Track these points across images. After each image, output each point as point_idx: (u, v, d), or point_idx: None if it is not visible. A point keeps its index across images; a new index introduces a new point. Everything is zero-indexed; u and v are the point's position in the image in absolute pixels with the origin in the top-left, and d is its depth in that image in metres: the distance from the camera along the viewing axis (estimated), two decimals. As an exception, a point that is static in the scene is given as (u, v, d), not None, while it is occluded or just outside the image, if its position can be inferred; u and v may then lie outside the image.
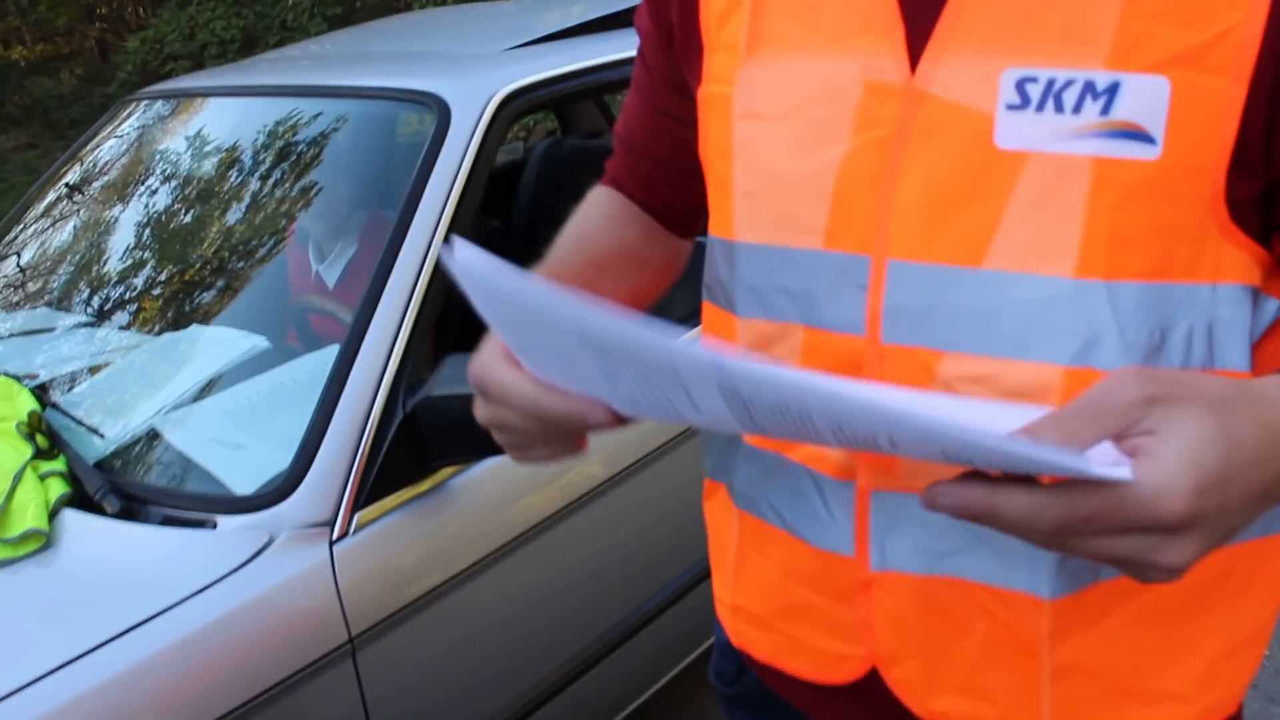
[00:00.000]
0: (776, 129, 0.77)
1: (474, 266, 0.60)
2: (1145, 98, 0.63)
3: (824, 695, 0.88)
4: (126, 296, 2.13)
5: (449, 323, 2.22)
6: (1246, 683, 0.79)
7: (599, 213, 1.02)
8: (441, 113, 1.85)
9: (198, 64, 11.63)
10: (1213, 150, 0.64)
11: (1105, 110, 0.64)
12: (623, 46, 2.18)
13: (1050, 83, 0.65)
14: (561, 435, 0.73)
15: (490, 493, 1.69)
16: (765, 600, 0.89)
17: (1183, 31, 0.62)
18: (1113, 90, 0.64)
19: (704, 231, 0.90)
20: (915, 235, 0.70)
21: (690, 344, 0.54)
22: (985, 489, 0.54)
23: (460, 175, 1.77)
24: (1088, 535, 0.52)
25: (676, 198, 1.00)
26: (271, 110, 2.26)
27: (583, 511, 1.82)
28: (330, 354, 1.69)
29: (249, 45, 13.60)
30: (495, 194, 3.02)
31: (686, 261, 1.06)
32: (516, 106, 1.91)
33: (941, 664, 0.79)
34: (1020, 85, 0.66)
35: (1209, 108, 0.63)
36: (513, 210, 3.19)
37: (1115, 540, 0.52)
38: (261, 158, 2.23)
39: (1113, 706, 0.77)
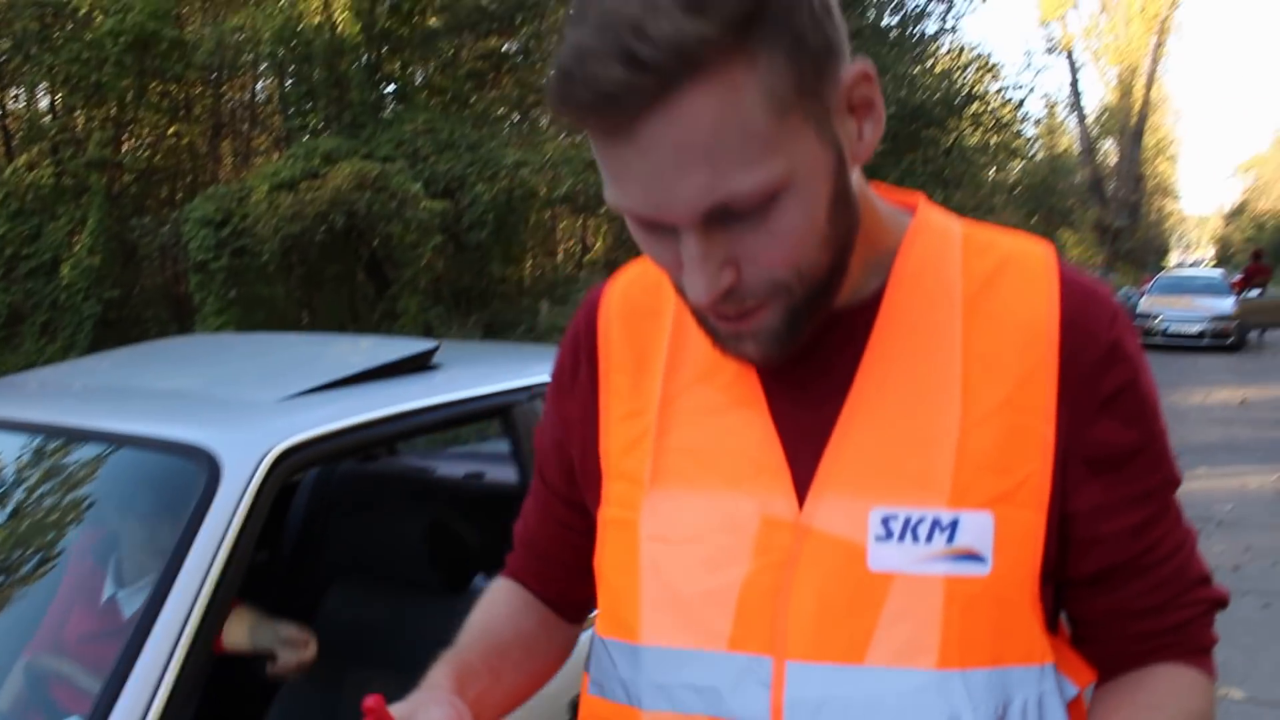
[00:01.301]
0: (682, 551, 0.91)
1: None
2: (977, 529, 0.85)
3: None
4: None
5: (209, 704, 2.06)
6: None
7: (501, 603, 1.13)
8: (211, 470, 1.78)
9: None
10: (1027, 563, 0.86)
11: (950, 540, 0.85)
12: (407, 396, 2.17)
13: (908, 519, 0.85)
14: None
15: None
16: None
17: (998, 478, 0.86)
18: (954, 525, 0.85)
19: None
20: (808, 640, 0.86)
21: None
22: None
23: (226, 540, 1.68)
24: None
25: (575, 592, 1.12)
26: (25, 445, 2.12)
27: None
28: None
29: (13, 321, 13.06)
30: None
31: (573, 648, 1.17)
32: (293, 463, 1.86)
33: None
34: (885, 521, 0.86)
35: (1021, 532, 0.86)
36: (279, 539, 3.06)
37: None
38: (10, 498, 2.08)
39: None
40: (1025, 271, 0.92)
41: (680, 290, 0.85)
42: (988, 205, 22.54)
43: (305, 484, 3.12)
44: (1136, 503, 0.92)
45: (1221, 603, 0.99)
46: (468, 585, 2.51)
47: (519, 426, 2.32)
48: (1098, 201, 37.00)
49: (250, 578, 2.41)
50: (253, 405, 2.07)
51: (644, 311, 1.01)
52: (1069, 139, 42.05)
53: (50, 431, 2.11)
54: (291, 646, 2.18)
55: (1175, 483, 0.96)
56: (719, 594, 0.89)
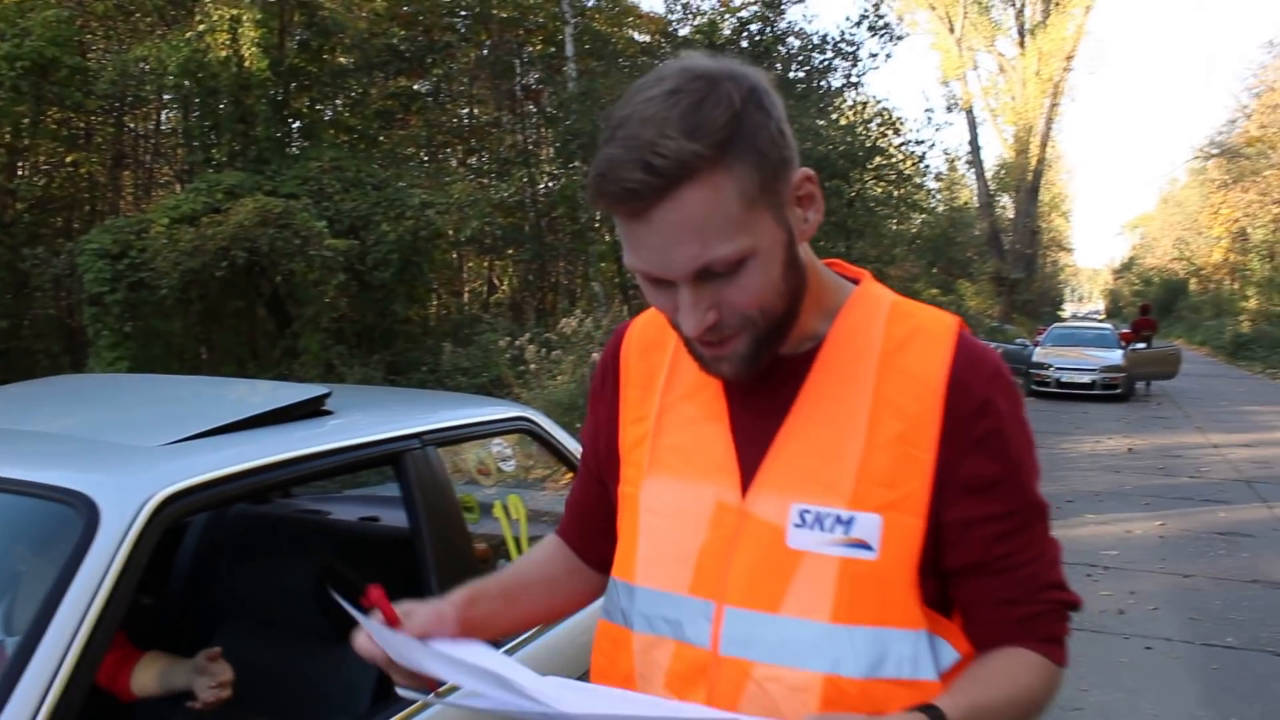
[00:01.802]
0: (665, 522, 1.27)
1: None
2: (868, 525, 1.16)
3: None
4: None
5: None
6: None
7: (540, 551, 1.54)
8: (89, 515, 1.75)
9: None
10: (907, 554, 1.17)
11: (846, 531, 1.17)
12: (295, 443, 2.16)
13: (818, 514, 1.18)
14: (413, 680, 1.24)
15: None
16: None
17: (888, 490, 1.17)
18: (851, 521, 1.17)
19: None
20: (741, 592, 1.20)
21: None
22: None
23: (103, 589, 1.65)
24: None
25: (600, 548, 1.41)
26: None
27: None
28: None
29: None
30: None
31: (600, 593, 1.43)
32: (174, 510, 1.83)
33: None
34: (801, 513, 1.18)
35: (903, 532, 1.17)
36: (167, 580, 3.00)
37: None
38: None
39: None
40: (931, 337, 1.22)
41: (676, 327, 1.19)
42: (889, 256, 23.00)
43: (195, 525, 3.06)
44: (998, 519, 1.20)
45: (1072, 605, 1.27)
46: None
47: (410, 473, 2.32)
48: (995, 254, 38.07)
49: (136, 621, 2.37)
50: (135, 450, 2.04)
51: (652, 345, 1.36)
52: (968, 193, 43.16)
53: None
54: (210, 675, 2.19)
55: (1037, 506, 1.25)
56: (685, 554, 1.24)
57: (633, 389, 1.36)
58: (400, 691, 1.26)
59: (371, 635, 1.21)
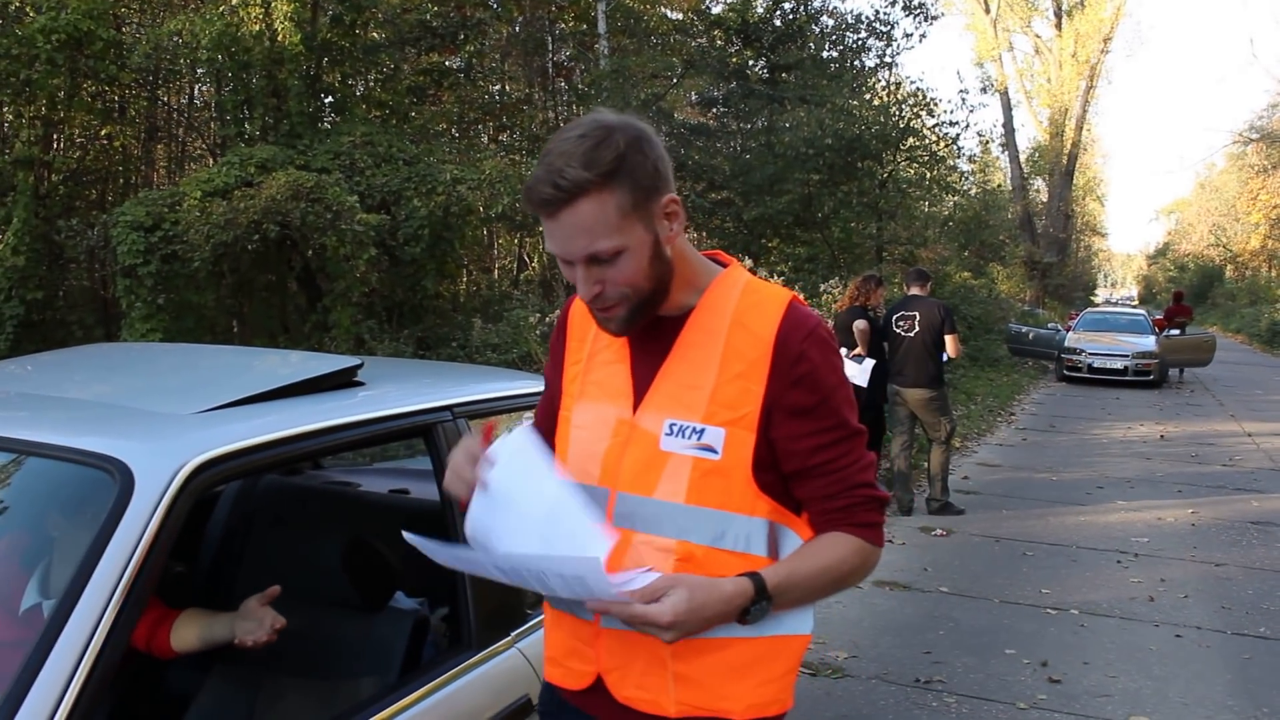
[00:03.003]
0: (584, 433, 1.77)
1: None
2: (715, 436, 1.64)
3: (582, 693, 1.79)
4: None
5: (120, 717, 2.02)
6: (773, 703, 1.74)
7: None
8: (124, 481, 1.75)
9: None
10: (743, 459, 1.65)
11: (699, 438, 1.65)
12: (328, 413, 2.15)
13: (681, 426, 1.66)
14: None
15: None
16: (556, 648, 1.84)
17: (730, 411, 1.65)
18: (701, 431, 1.65)
19: None
20: (627, 481, 1.69)
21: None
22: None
23: (137, 555, 1.66)
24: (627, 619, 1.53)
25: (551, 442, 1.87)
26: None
27: None
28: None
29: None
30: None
31: None
32: (208, 477, 1.84)
33: (626, 673, 1.72)
34: (670, 425, 1.67)
35: (741, 441, 1.64)
36: (198, 551, 3.01)
37: (641, 625, 1.53)
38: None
39: (705, 695, 1.68)
40: (769, 306, 1.70)
41: (580, 293, 1.66)
42: (920, 238, 22.83)
43: (226, 496, 3.07)
44: (815, 434, 1.66)
45: (880, 500, 1.71)
46: (386, 604, 2.49)
47: (441, 445, 2.32)
48: (1028, 237, 37.64)
49: (168, 588, 2.38)
50: (170, 418, 2.04)
51: (588, 313, 1.74)
52: (1001, 176, 42.73)
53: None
54: (257, 620, 2.21)
55: (850, 428, 1.69)
56: (595, 455, 1.73)
57: (573, 341, 1.87)
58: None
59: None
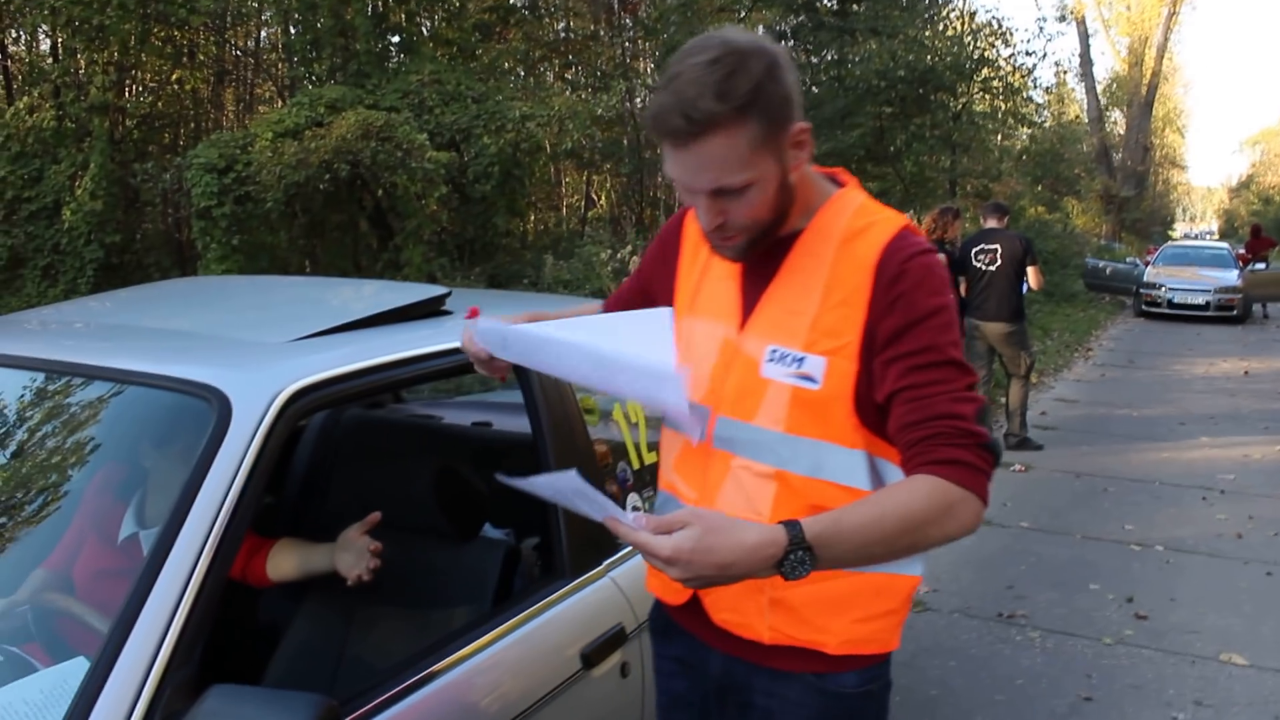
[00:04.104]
0: (694, 350, 1.71)
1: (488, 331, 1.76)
2: (815, 364, 1.57)
3: (680, 610, 1.79)
4: None
5: (213, 647, 2.04)
6: (877, 642, 1.69)
7: (591, 307, 2.08)
8: (221, 409, 1.75)
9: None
10: (844, 390, 1.56)
11: (799, 366, 1.58)
12: (419, 341, 2.13)
13: (782, 353, 1.60)
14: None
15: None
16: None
17: (831, 339, 1.56)
18: (802, 359, 1.58)
19: None
20: (728, 405, 1.65)
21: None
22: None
23: (237, 480, 1.65)
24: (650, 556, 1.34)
25: None
26: (38, 383, 2.09)
27: None
28: (75, 670, 1.51)
29: (15, 264, 12.99)
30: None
31: None
32: (304, 404, 1.83)
33: (722, 595, 1.67)
34: (771, 351, 1.61)
35: (842, 370, 1.56)
36: (283, 485, 3.03)
37: (652, 559, 1.34)
38: (15, 435, 2.04)
39: (799, 625, 1.65)
40: (878, 229, 1.60)
41: (700, 221, 1.60)
42: (995, 171, 22.33)
43: (310, 430, 3.09)
44: (904, 358, 1.52)
45: (973, 435, 1.48)
46: (477, 533, 2.48)
47: (531, 374, 2.29)
48: (1104, 171, 36.62)
49: (257, 520, 2.40)
50: (263, 346, 2.04)
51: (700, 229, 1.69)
52: (1077, 108, 41.60)
53: (57, 369, 2.07)
54: (355, 549, 2.22)
55: (944, 355, 1.53)
56: (702, 373, 1.68)
57: (688, 254, 1.83)
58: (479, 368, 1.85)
59: (471, 334, 1.79)
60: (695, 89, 1.43)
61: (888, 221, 1.62)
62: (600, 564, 2.34)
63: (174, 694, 1.47)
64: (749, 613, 1.66)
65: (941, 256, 1.65)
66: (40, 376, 2.09)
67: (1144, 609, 5.03)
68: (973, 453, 1.47)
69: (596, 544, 2.33)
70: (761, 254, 1.63)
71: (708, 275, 1.75)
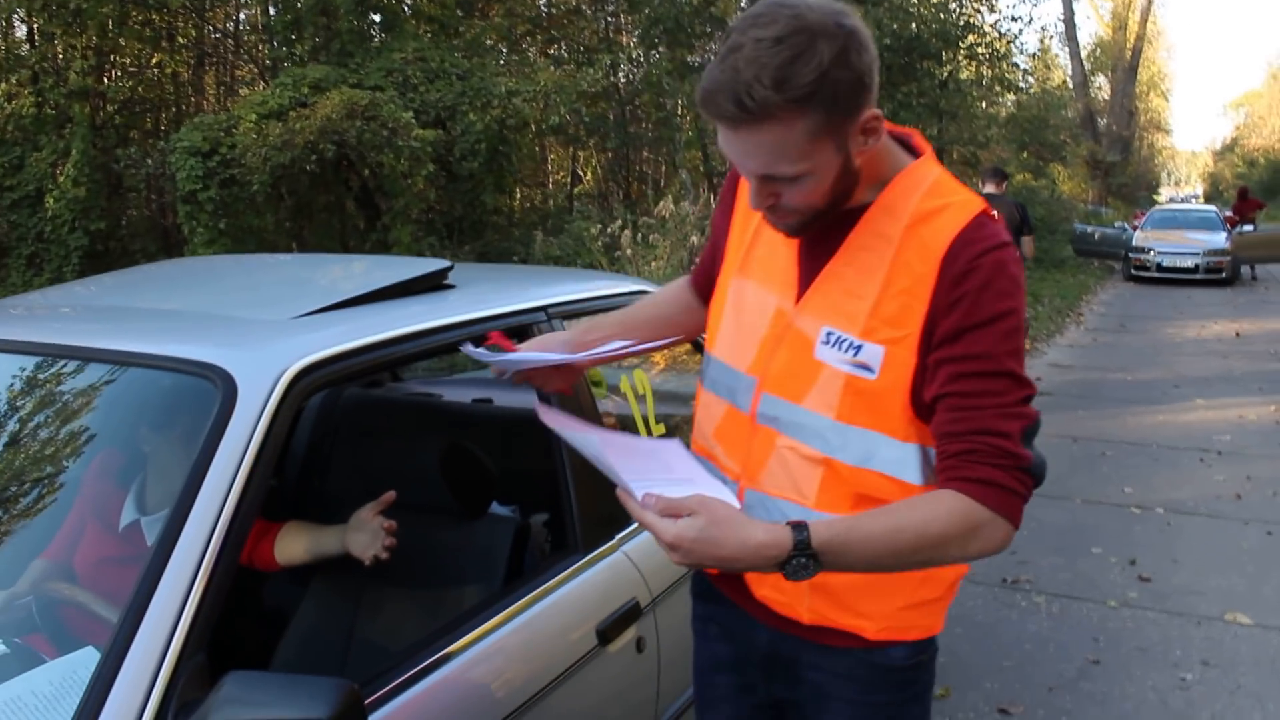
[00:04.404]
0: (744, 316, 1.65)
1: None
2: (872, 353, 1.48)
3: (722, 579, 1.77)
4: None
5: (229, 632, 2.00)
6: (919, 626, 1.65)
7: (667, 292, 2.00)
8: (226, 389, 1.70)
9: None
10: (901, 382, 1.47)
11: (856, 354, 1.49)
12: (424, 315, 2.09)
13: (839, 337, 1.50)
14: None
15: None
16: None
17: (891, 329, 1.47)
18: (859, 347, 1.48)
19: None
20: (776, 382, 1.57)
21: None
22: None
23: (245, 462, 1.61)
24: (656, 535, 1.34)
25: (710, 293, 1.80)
26: (31, 369, 2.03)
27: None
28: (85, 661, 1.47)
29: None
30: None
31: (700, 331, 1.89)
32: (311, 382, 1.78)
33: (763, 574, 1.56)
34: (827, 334, 1.51)
35: (901, 362, 1.46)
36: (284, 465, 2.99)
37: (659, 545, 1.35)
38: (8, 423, 1.99)
39: (839, 609, 1.60)
40: (950, 214, 1.47)
41: (750, 201, 1.50)
42: (982, 138, 22.26)
43: (309, 410, 3.04)
44: (957, 361, 1.42)
45: (1015, 457, 1.40)
46: (486, 510, 2.44)
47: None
48: (1090, 136, 36.58)
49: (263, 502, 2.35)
50: (267, 324, 1.98)
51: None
52: (1062, 74, 41.53)
53: (50, 352, 2.01)
54: (368, 530, 2.19)
55: (999, 364, 1.42)
56: (751, 341, 1.62)
57: (741, 210, 1.71)
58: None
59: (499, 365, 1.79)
60: (753, 70, 1.31)
61: (962, 206, 1.48)
62: (613, 538, 2.31)
63: (188, 682, 1.43)
64: (790, 591, 1.61)
65: None
66: (32, 361, 2.02)
67: (1147, 571, 5.03)
68: (1010, 475, 1.40)
69: (609, 518, 2.29)
70: (824, 225, 1.51)
71: (762, 236, 1.64)
